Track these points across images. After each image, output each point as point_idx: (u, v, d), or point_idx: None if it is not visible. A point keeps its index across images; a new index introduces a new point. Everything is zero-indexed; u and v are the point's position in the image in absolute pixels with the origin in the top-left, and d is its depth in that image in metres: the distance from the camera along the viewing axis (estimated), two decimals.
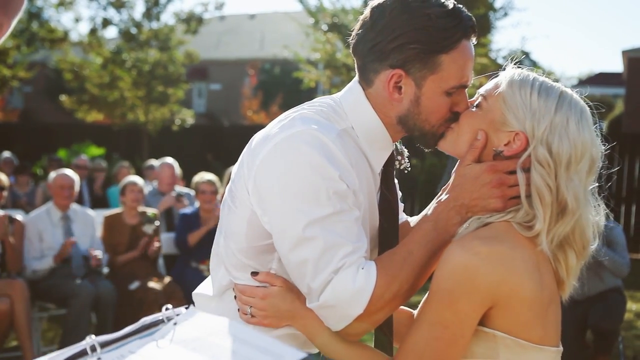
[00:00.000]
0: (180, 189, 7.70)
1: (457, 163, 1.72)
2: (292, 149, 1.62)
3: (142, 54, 16.62)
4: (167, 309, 1.19)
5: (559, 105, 1.60)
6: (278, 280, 1.71)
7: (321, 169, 1.59)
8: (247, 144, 1.77)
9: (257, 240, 1.72)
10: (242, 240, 1.73)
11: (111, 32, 33.14)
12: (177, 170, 7.66)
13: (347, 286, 1.56)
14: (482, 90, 1.71)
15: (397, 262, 1.62)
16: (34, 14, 19.09)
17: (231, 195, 1.77)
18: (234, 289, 1.77)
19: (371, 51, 1.69)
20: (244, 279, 1.75)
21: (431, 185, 11.11)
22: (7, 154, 11.19)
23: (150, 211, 6.37)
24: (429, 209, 1.77)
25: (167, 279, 6.16)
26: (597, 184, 1.66)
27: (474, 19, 1.71)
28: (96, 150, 15.34)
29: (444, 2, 1.66)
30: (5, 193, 6.19)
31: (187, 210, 6.65)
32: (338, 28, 11.86)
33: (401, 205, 1.99)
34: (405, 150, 1.94)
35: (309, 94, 16.46)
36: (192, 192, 7.35)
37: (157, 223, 6.27)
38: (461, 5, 1.69)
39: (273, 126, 1.72)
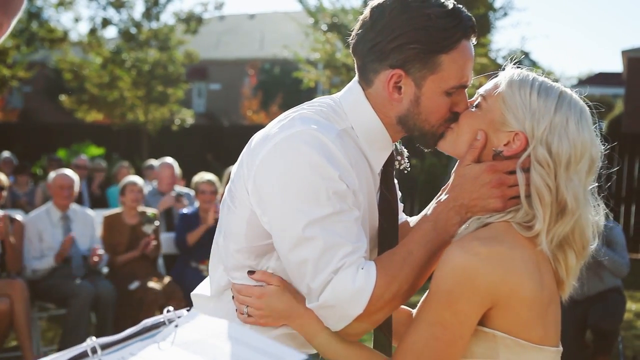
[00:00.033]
0: (180, 189, 7.70)
1: (457, 163, 1.72)
2: (292, 149, 1.62)
3: (141, 53, 16.62)
4: (168, 311, 1.18)
5: (559, 105, 1.60)
6: (274, 279, 1.70)
7: (321, 169, 1.59)
8: (247, 144, 1.77)
9: (257, 241, 1.72)
10: (242, 240, 1.73)
11: (111, 32, 33.16)
12: (177, 170, 7.66)
13: (347, 286, 1.56)
14: (481, 91, 1.71)
15: (396, 262, 1.62)
16: (34, 14, 19.09)
17: (230, 195, 1.77)
18: (232, 289, 1.77)
19: (371, 51, 1.69)
20: (242, 279, 1.75)
21: (431, 185, 11.11)
22: (6, 153, 11.19)
23: (150, 211, 6.37)
24: (428, 209, 1.77)
25: (167, 279, 6.16)
26: (596, 184, 1.66)
27: (473, 19, 1.71)
28: (96, 150, 15.33)
29: (443, 2, 1.66)
30: (4, 193, 6.20)
31: (187, 210, 6.65)
32: (338, 28, 11.85)
33: (400, 206, 1.99)
34: (405, 151, 1.94)
35: (309, 94, 16.46)
36: (192, 192, 7.35)
37: (156, 223, 6.28)
38: (461, 6, 1.69)
39: (273, 126, 1.72)
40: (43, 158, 14.33)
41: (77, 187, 6.20)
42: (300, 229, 1.58)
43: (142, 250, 6.15)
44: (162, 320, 1.16)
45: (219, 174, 8.47)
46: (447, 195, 1.70)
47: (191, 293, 1.92)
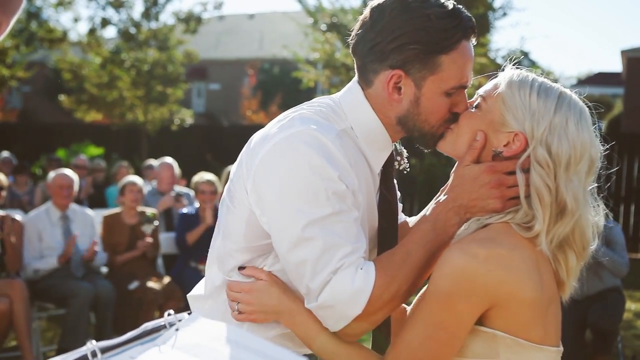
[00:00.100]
0: (179, 188, 7.70)
1: (456, 164, 1.72)
2: (291, 149, 1.61)
3: (141, 53, 16.60)
4: (169, 314, 1.18)
5: (558, 105, 1.60)
6: (263, 274, 1.71)
7: (320, 169, 1.59)
8: (246, 144, 1.77)
9: (256, 240, 1.72)
10: (241, 240, 1.73)
11: (110, 32, 33.27)
12: (177, 170, 7.66)
13: (346, 287, 1.56)
14: (481, 91, 1.71)
15: (395, 262, 1.62)
16: (33, 14, 19.09)
17: (230, 195, 1.77)
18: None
19: (371, 51, 1.69)
20: (239, 279, 1.75)
21: (430, 185, 11.11)
22: (6, 153, 11.19)
23: (150, 211, 6.37)
24: (427, 210, 1.77)
25: (166, 279, 6.16)
26: (596, 184, 1.66)
27: (473, 19, 1.71)
28: (95, 150, 15.33)
29: (443, 3, 1.66)
30: (4, 193, 6.19)
31: (187, 210, 6.65)
32: (337, 28, 11.85)
33: (400, 206, 1.99)
34: (405, 151, 1.94)
35: (308, 94, 16.45)
36: (192, 192, 7.34)
37: (156, 223, 6.27)
38: (461, 6, 1.69)
39: (272, 126, 1.72)
40: (42, 158, 14.33)
41: (76, 187, 6.20)
42: (299, 229, 1.58)
43: (142, 252, 6.15)
44: (162, 323, 1.16)
45: (219, 174, 8.47)
46: (446, 196, 1.69)
47: (188, 295, 1.92)
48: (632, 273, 5.90)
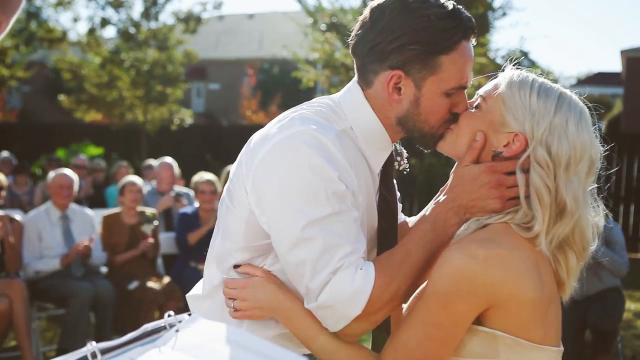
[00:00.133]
0: (179, 188, 7.70)
1: (456, 164, 1.72)
2: (291, 149, 1.61)
3: (140, 53, 16.60)
4: (169, 315, 1.18)
5: (558, 106, 1.60)
6: (258, 270, 1.71)
7: (320, 170, 1.59)
8: (246, 144, 1.77)
9: (255, 240, 1.72)
10: (240, 240, 1.73)
11: (110, 32, 33.26)
12: (176, 170, 7.66)
13: (346, 287, 1.56)
14: (481, 92, 1.71)
15: (395, 262, 1.62)
16: (33, 14, 19.09)
17: (229, 194, 1.77)
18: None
19: (370, 52, 1.69)
20: (237, 277, 1.75)
21: (430, 185, 11.11)
22: (5, 153, 11.19)
23: (149, 211, 6.37)
24: (427, 210, 1.77)
25: (166, 279, 6.16)
26: (596, 185, 1.66)
27: (473, 20, 1.71)
28: (95, 150, 15.33)
29: (443, 3, 1.66)
30: (4, 193, 6.19)
31: (187, 209, 6.65)
32: (337, 28, 11.84)
33: (399, 206, 1.99)
34: (404, 151, 1.94)
35: (308, 94, 16.44)
36: (191, 192, 7.34)
37: (155, 223, 6.27)
38: (461, 6, 1.69)
39: (272, 126, 1.72)
40: (42, 158, 14.33)
41: (76, 187, 6.20)
42: (299, 229, 1.58)
43: (142, 252, 6.15)
44: (162, 324, 1.16)
45: (218, 174, 8.47)
46: (445, 196, 1.69)
47: (186, 295, 1.92)
48: (631, 273, 5.90)
